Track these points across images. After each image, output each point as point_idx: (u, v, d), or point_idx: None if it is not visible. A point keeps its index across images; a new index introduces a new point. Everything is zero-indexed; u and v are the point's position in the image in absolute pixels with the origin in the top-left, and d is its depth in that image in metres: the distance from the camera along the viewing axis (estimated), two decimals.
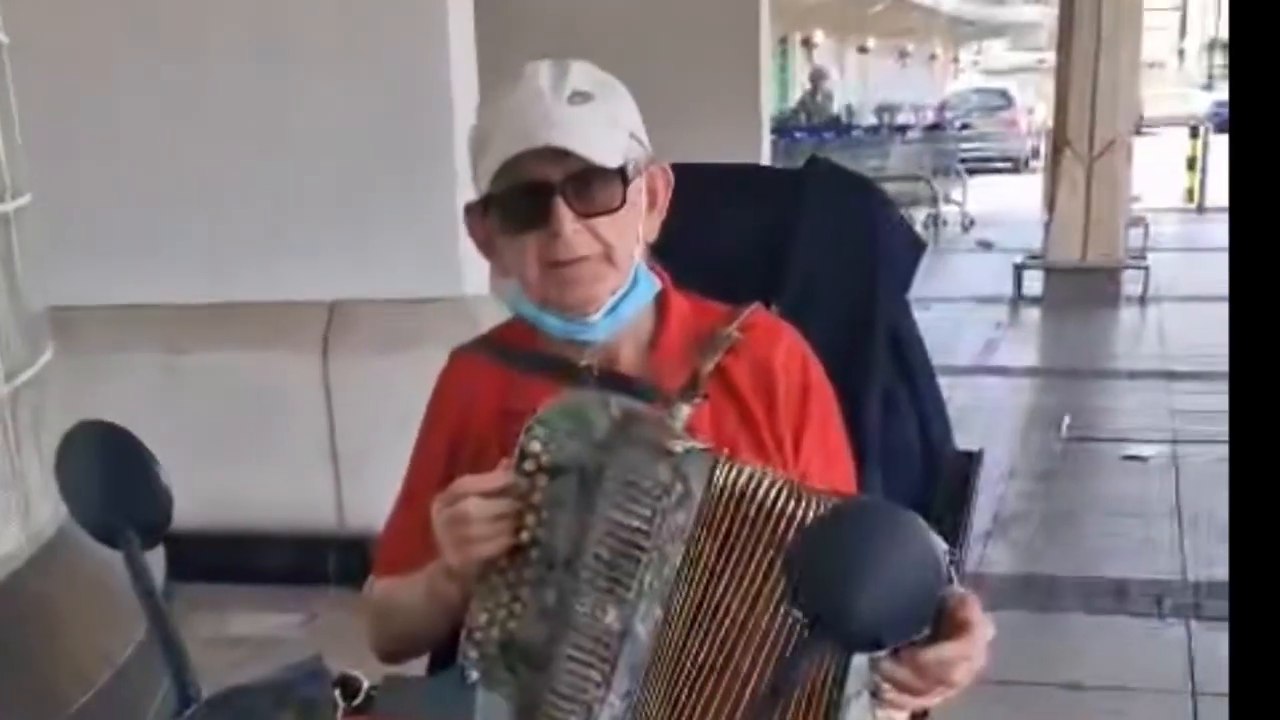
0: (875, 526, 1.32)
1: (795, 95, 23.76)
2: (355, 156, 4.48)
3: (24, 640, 2.43)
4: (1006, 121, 24.54)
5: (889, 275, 1.93)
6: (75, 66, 4.54)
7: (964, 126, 21.15)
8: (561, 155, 1.55)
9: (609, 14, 7.45)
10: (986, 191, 17.52)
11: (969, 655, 1.41)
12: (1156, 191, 14.85)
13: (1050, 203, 10.69)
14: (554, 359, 1.66)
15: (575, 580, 1.46)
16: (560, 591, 1.47)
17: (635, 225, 1.64)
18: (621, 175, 1.59)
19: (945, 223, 14.97)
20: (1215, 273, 11.21)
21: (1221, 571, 4.54)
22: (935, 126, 19.81)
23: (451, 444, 1.70)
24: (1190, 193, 16.52)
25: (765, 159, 8.52)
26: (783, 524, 1.43)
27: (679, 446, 1.46)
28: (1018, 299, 10.50)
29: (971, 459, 1.90)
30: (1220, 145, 16.55)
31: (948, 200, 15.60)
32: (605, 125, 1.59)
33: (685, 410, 1.52)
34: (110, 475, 1.47)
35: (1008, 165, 23.02)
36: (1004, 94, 26.20)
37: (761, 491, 1.44)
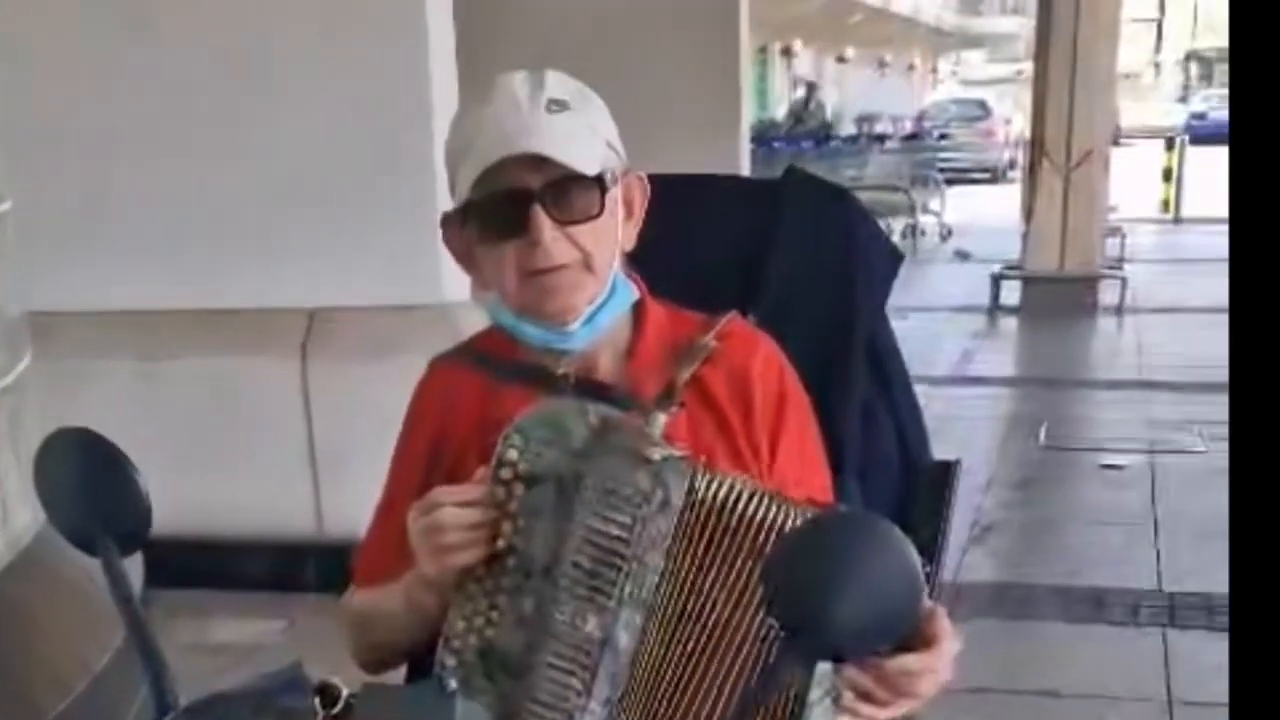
0: (853, 537, 1.33)
1: (775, 104, 23.88)
2: (335, 164, 4.47)
3: (0, 647, 2.42)
4: (984, 132, 24.68)
5: (867, 286, 1.94)
6: (54, 72, 4.53)
7: (942, 136, 21.23)
8: (540, 163, 1.55)
9: (588, 23, 7.46)
10: (964, 201, 17.58)
11: (933, 668, 1.43)
12: (1133, 202, 14.93)
13: (1028, 213, 10.74)
14: (532, 368, 1.67)
15: (554, 588, 1.47)
16: (538, 600, 1.47)
17: (613, 233, 1.64)
18: (600, 183, 1.60)
19: (923, 233, 15.02)
20: (1192, 283, 11.33)
21: (1197, 580, 4.57)
22: (913, 136, 19.90)
23: (430, 453, 1.70)
24: (1166, 203, 16.63)
25: (745, 168, 8.54)
26: (762, 532, 1.45)
27: (657, 454, 1.47)
28: (995, 309, 10.54)
29: (949, 469, 1.90)
30: (1195, 156, 16.69)
31: (925, 210, 15.64)
32: (583, 133, 1.59)
33: (662, 419, 1.52)
34: (89, 482, 1.46)
35: (985, 175, 23.14)
36: (982, 104, 26.34)
37: (741, 500, 1.45)
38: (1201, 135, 23.22)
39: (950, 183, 17.85)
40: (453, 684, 1.42)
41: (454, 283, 4.27)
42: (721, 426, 1.65)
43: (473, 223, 1.62)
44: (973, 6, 43.49)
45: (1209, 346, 8.05)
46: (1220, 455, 5.89)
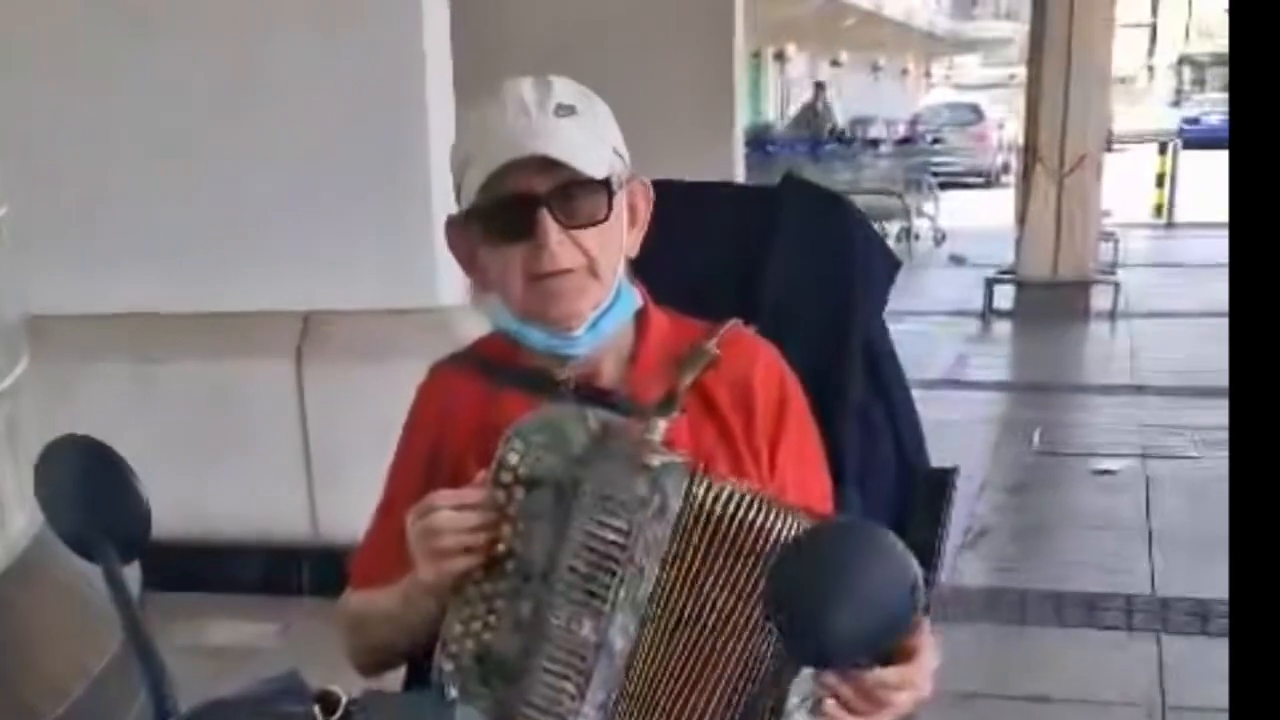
0: (853, 545, 1.34)
1: (770, 108, 23.89)
2: (331, 167, 4.48)
3: None
4: (977, 136, 24.70)
5: (865, 292, 1.94)
6: (48, 76, 4.53)
7: (935, 141, 21.24)
8: (547, 167, 1.56)
9: (582, 29, 7.46)
10: (958, 206, 17.60)
11: (912, 681, 1.44)
12: (1126, 207, 14.95)
13: (1021, 217, 10.75)
14: (532, 373, 1.67)
15: (551, 593, 1.47)
16: (536, 603, 1.48)
17: (618, 239, 1.65)
18: (606, 187, 1.60)
19: (917, 237, 15.02)
20: (1185, 288, 11.34)
21: (1190, 585, 4.58)
22: (907, 140, 19.89)
23: (430, 457, 1.70)
24: (1159, 208, 16.67)
25: (739, 172, 8.54)
26: (758, 538, 1.45)
27: (656, 460, 1.47)
28: (989, 313, 10.55)
29: (947, 477, 1.91)
30: (1188, 161, 16.73)
31: (919, 214, 15.65)
32: (590, 138, 1.60)
33: (662, 425, 1.53)
34: (90, 489, 1.46)
35: (978, 180, 23.15)
36: (975, 109, 26.39)
37: (739, 506, 1.46)
38: (1194, 140, 23.30)
39: (944, 187, 17.86)
40: (453, 692, 1.43)
41: (450, 286, 4.28)
42: (723, 433, 1.65)
43: (479, 226, 1.62)
44: (966, 11, 43.55)
45: (1202, 351, 8.09)
46: (1212, 461, 5.91)
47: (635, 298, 1.70)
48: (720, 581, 1.46)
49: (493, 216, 1.60)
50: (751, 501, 1.46)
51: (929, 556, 1.78)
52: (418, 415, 1.77)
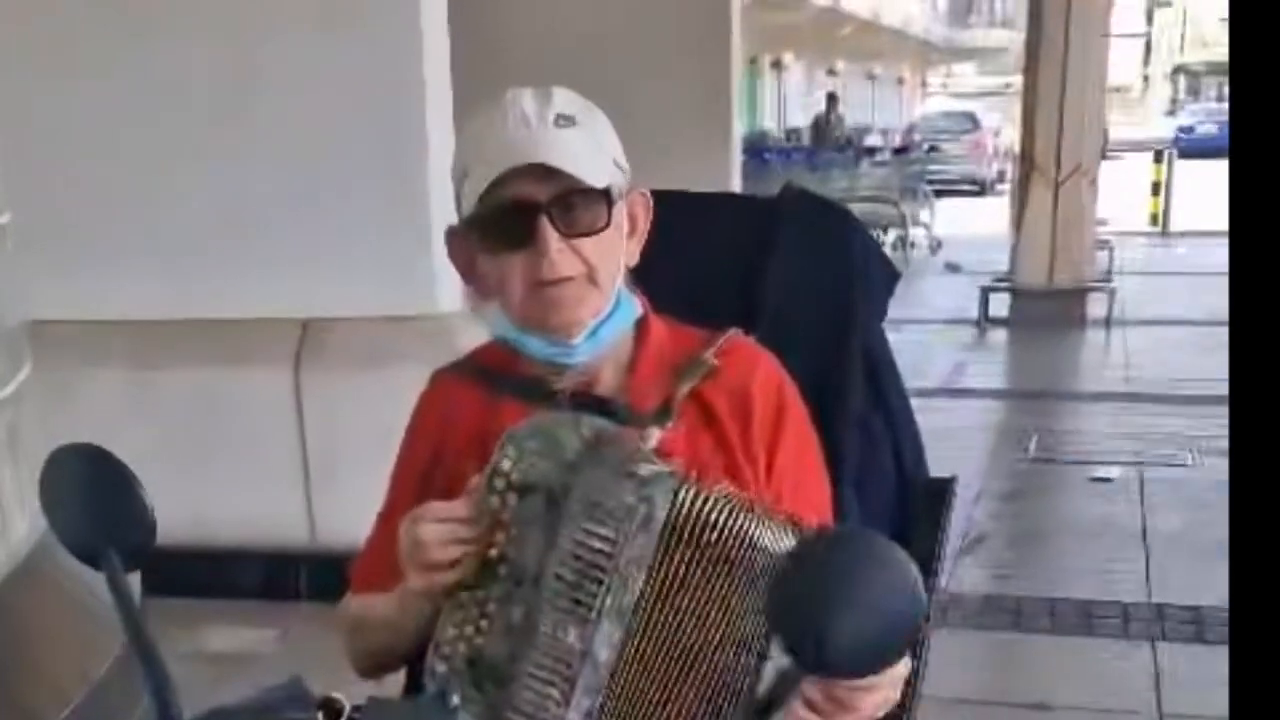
0: (856, 554, 1.34)
1: (763, 118, 23.95)
2: (330, 174, 4.48)
3: None
4: (973, 144, 24.72)
5: (864, 301, 1.95)
6: (47, 80, 4.54)
7: (931, 149, 21.26)
8: (548, 176, 1.56)
9: (580, 39, 7.48)
10: (953, 214, 17.61)
11: (880, 687, 1.44)
12: (1122, 215, 14.98)
13: (1017, 225, 10.76)
14: (531, 381, 1.68)
15: (541, 599, 1.48)
16: (527, 609, 1.48)
17: (618, 248, 1.66)
18: (606, 196, 1.61)
19: (913, 245, 15.04)
20: (1180, 296, 11.33)
21: (1186, 593, 4.59)
22: (903, 149, 19.91)
23: (430, 464, 1.71)
24: (1155, 217, 16.70)
25: (736, 180, 8.55)
26: (745, 548, 1.45)
27: (645, 469, 1.47)
28: (985, 321, 10.56)
29: (945, 486, 1.92)
30: (1183, 170, 16.76)
31: (915, 222, 15.67)
32: (590, 148, 1.61)
33: (656, 434, 1.53)
34: (94, 498, 1.47)
35: (974, 188, 23.18)
36: (971, 117, 26.39)
37: (724, 516, 1.46)
38: (1189, 149, 23.34)
39: (939, 195, 17.89)
40: (455, 699, 1.43)
41: (449, 293, 4.29)
42: (720, 442, 1.65)
43: (478, 234, 1.63)
44: (962, 20, 43.57)
45: (1197, 359, 8.11)
46: (1208, 468, 5.93)
47: (635, 307, 1.71)
48: (704, 590, 1.46)
49: (493, 224, 1.61)
50: (737, 511, 1.46)
51: (929, 566, 1.79)
52: (419, 422, 1.77)
